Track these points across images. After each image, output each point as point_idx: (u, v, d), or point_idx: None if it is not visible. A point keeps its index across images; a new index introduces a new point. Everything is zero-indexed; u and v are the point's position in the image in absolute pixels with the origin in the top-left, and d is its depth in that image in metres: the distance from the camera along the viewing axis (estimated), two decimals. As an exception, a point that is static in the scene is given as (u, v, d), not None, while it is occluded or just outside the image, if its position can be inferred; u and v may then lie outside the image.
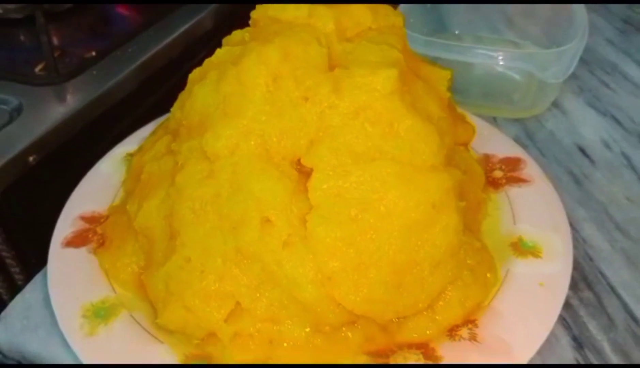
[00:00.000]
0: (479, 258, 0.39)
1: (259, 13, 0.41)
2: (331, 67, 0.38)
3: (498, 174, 0.49)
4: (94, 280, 0.40)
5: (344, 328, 0.36)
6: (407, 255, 0.35)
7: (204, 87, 0.37)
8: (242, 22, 0.43)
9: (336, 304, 0.35)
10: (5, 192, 0.50)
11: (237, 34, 0.41)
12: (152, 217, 0.37)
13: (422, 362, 0.35)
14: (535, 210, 0.45)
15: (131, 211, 0.40)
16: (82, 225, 0.44)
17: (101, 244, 0.42)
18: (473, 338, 0.36)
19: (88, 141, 0.58)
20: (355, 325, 0.36)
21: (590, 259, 0.46)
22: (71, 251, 0.42)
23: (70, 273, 0.40)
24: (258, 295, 0.34)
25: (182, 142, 0.38)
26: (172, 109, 0.41)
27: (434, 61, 0.44)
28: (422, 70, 0.41)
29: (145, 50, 0.66)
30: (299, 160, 0.37)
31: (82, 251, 0.42)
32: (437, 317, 0.37)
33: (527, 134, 0.59)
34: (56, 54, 0.66)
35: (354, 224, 0.35)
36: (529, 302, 0.38)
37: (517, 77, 0.63)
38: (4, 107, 0.56)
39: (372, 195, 0.35)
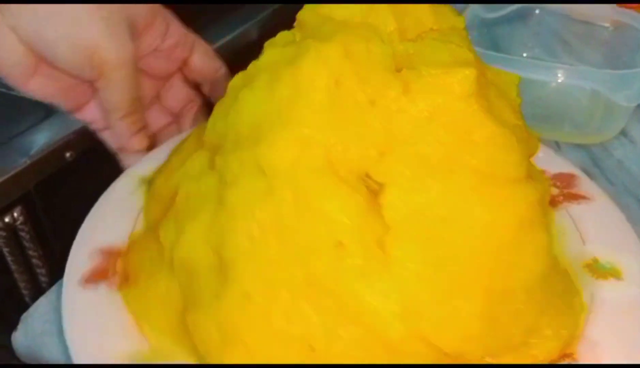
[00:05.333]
0: (566, 282, 0.35)
1: (307, 13, 0.36)
2: (396, 70, 0.33)
3: (554, 191, 0.45)
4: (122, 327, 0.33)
5: (429, 372, 0.31)
6: (501, 282, 0.30)
7: (254, 92, 0.32)
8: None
9: (426, 343, 0.29)
10: (37, 186, 0.44)
11: (284, 35, 0.36)
12: (197, 246, 0.31)
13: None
14: (603, 229, 0.41)
15: (166, 241, 0.33)
16: (100, 260, 0.37)
17: (125, 280, 0.36)
18: (577, 375, 0.31)
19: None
20: None
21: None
22: (90, 292, 0.35)
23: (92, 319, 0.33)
24: (334, 336, 0.29)
25: (228, 155, 0.32)
26: (209, 122, 0.36)
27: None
28: (488, 74, 0.37)
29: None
30: (366, 174, 0.32)
31: (102, 289, 0.35)
32: (533, 353, 0.32)
33: (593, 161, 0.55)
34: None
35: (440, 245, 0.30)
36: (626, 328, 0.34)
37: (580, 98, 0.58)
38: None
39: (456, 213, 0.31)
